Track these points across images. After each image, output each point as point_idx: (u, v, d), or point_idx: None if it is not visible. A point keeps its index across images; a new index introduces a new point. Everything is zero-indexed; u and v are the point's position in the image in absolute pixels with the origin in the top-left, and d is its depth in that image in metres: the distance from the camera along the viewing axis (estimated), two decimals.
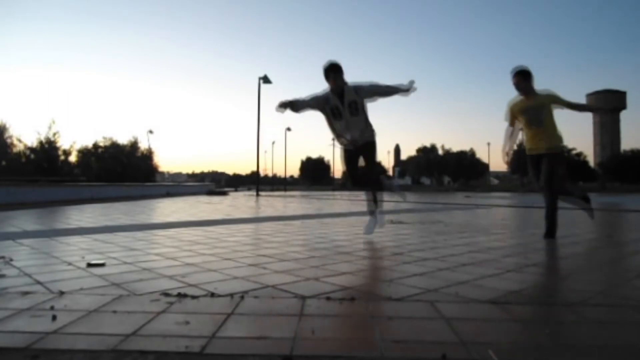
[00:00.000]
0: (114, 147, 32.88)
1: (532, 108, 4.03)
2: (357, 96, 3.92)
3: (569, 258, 3.10)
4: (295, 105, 3.88)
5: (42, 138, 25.51)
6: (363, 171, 4.15)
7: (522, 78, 4.04)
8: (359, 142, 3.97)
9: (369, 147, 4.02)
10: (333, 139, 4.20)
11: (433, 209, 9.09)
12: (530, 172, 4.20)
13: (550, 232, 3.94)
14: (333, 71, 3.88)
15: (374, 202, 4.14)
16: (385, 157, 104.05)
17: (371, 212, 4.17)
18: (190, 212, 8.15)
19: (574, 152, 58.66)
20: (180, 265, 2.64)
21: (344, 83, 3.91)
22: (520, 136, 4.58)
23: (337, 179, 71.70)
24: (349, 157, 4.08)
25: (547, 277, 2.42)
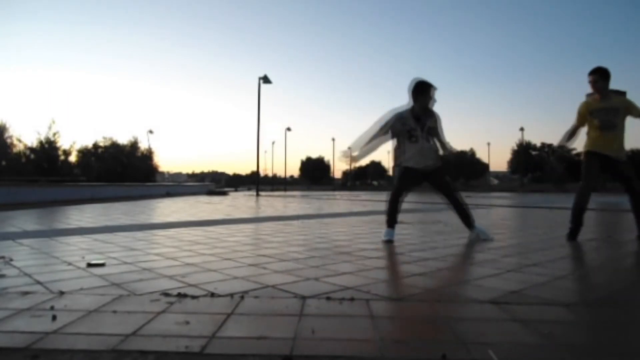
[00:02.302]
0: (114, 147, 32.89)
1: (605, 110, 3.87)
2: (435, 124, 3.90)
3: (569, 258, 3.10)
4: (359, 155, 4.02)
5: (42, 138, 25.52)
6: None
7: (600, 77, 3.89)
8: (429, 168, 3.87)
9: (439, 172, 3.92)
10: (397, 163, 3.92)
11: (433, 209, 9.08)
12: (589, 171, 3.97)
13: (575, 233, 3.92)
14: (430, 90, 3.87)
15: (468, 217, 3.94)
16: (385, 157, 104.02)
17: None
18: (190, 212, 8.15)
19: (574, 152, 58.70)
20: (180, 265, 2.64)
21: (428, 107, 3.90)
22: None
23: (337, 179, 71.69)
24: (412, 178, 3.92)
25: (547, 277, 2.41)
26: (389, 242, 3.70)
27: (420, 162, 3.84)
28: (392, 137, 3.96)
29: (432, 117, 3.89)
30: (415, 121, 3.83)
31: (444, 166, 4.00)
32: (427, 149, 3.85)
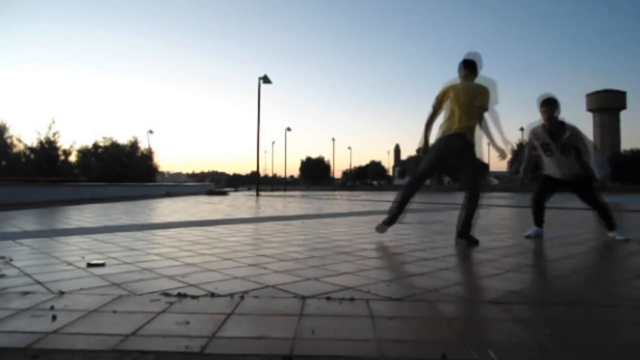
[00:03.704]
0: (114, 147, 32.89)
1: None
2: (575, 142, 3.96)
3: (569, 258, 3.10)
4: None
5: (42, 138, 25.52)
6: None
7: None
8: (566, 178, 4.13)
9: (582, 184, 4.10)
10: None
11: (433, 209, 9.08)
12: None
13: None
14: (549, 103, 3.99)
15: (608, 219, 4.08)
16: (385, 157, 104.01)
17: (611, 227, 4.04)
18: (190, 212, 8.15)
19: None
20: (180, 265, 2.64)
21: (559, 121, 4.00)
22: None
23: (337, 179, 71.63)
24: (550, 185, 4.31)
25: (547, 277, 2.42)
26: (528, 238, 4.07)
27: (555, 171, 4.19)
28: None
29: (570, 133, 3.97)
30: (550, 135, 4.02)
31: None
32: (563, 161, 4.08)
